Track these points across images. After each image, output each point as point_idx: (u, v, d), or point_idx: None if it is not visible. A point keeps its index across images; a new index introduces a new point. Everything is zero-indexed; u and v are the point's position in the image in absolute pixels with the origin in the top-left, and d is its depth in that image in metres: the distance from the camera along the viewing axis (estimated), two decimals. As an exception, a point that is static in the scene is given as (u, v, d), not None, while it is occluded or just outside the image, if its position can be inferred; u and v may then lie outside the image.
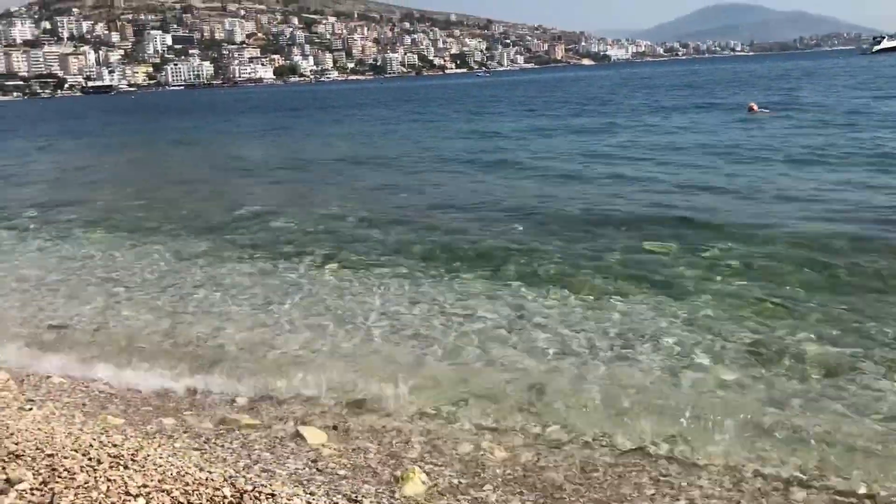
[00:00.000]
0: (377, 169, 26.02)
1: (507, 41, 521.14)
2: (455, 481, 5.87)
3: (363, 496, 5.30)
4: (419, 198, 19.30)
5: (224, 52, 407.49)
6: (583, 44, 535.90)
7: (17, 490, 4.74)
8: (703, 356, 8.06)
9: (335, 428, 6.97)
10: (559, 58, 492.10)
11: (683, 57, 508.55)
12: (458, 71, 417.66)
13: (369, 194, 20.41)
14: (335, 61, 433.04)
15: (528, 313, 9.77)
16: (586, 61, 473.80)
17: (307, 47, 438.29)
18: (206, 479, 5.11)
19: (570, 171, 22.65)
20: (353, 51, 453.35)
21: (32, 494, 4.71)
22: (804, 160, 21.55)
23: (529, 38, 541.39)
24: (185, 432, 6.78)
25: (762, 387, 7.29)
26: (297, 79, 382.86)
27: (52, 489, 4.78)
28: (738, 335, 8.58)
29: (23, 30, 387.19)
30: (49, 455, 5.44)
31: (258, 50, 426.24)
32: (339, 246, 14.10)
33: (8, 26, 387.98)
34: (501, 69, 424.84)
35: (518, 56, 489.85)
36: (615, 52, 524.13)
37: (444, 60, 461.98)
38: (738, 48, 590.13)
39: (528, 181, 21.15)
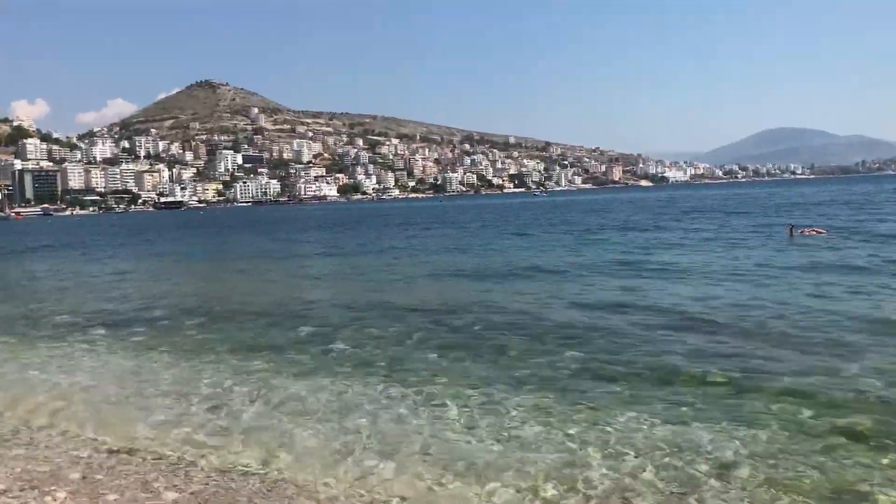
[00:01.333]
0: (430, 284, 26.17)
1: (565, 162, 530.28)
2: None
3: None
4: (476, 316, 19.20)
5: (291, 170, 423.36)
6: (640, 165, 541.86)
7: None
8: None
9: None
10: (617, 179, 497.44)
11: (743, 179, 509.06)
12: (516, 190, 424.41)
13: (419, 313, 20.43)
14: (396, 180, 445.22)
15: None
16: (644, 182, 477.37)
17: (370, 167, 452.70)
18: None
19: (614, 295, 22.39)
20: (415, 170, 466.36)
21: None
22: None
23: (587, 159, 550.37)
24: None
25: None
26: (360, 196, 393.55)
27: None
28: None
29: (103, 149, 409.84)
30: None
31: (323, 169, 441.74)
32: (396, 364, 14.11)
33: (90, 145, 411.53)
34: (559, 189, 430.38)
35: (576, 177, 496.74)
36: (673, 174, 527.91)
37: (503, 180, 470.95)
38: (799, 171, 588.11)
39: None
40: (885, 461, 8.73)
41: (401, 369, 13.97)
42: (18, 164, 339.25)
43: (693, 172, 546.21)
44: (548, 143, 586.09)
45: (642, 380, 12.59)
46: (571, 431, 10.19)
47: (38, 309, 24.55)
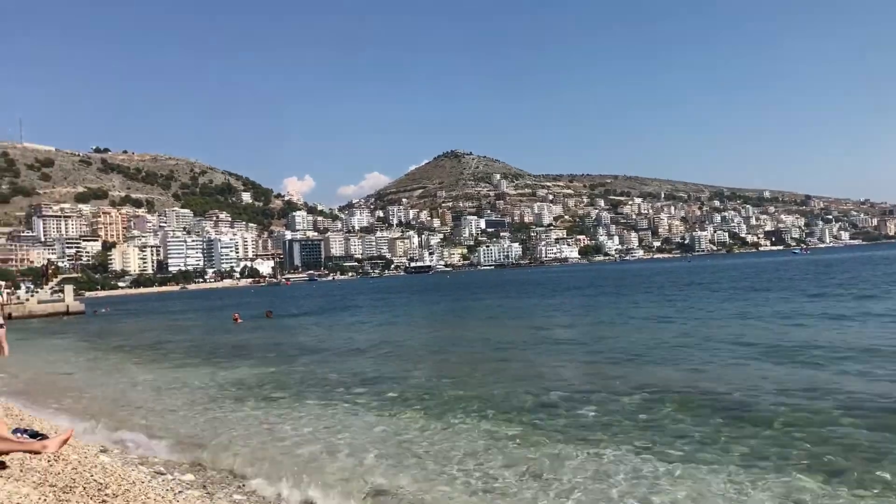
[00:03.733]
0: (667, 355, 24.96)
1: (829, 217, 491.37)
2: None
3: None
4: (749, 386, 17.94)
5: (532, 233, 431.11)
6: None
7: None
8: None
9: None
10: (891, 233, 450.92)
11: None
12: (773, 248, 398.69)
13: (671, 378, 19.45)
14: (640, 240, 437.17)
15: None
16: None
17: (612, 227, 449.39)
18: None
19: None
20: (660, 230, 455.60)
21: None
22: None
23: (855, 212, 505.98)
24: None
25: None
26: (602, 258, 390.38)
27: None
28: None
29: (360, 218, 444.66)
30: None
31: (564, 231, 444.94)
32: (648, 435, 13.51)
33: (349, 216, 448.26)
34: (822, 246, 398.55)
35: (842, 231, 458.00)
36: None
37: (758, 237, 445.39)
38: None
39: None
40: None
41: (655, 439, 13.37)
42: (288, 235, 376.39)
43: None
44: (808, 197, 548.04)
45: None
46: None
47: (310, 369, 26.59)
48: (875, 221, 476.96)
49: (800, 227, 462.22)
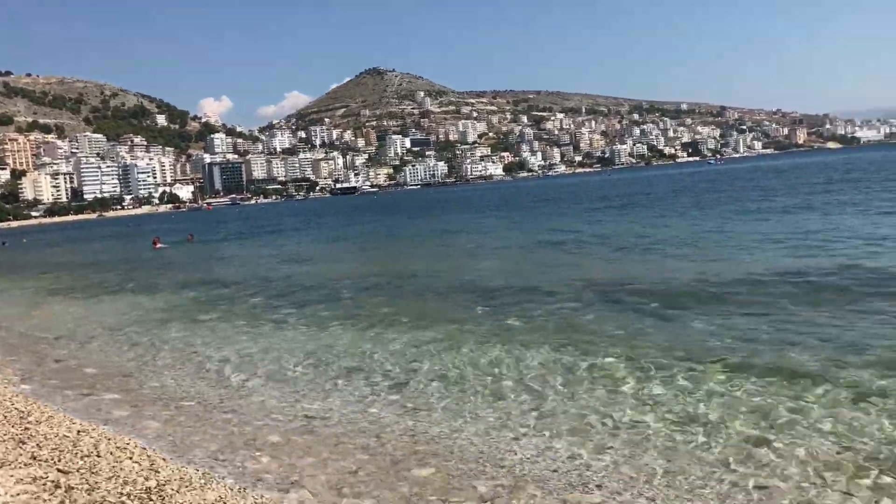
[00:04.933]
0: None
1: (743, 127, 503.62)
2: None
3: None
4: (658, 284, 18.69)
5: (457, 151, 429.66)
6: (827, 126, 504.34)
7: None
8: None
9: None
10: (800, 142, 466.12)
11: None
12: (690, 159, 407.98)
13: (586, 280, 20.12)
14: (562, 155, 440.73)
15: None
16: (832, 144, 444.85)
17: (535, 143, 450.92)
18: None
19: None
20: (581, 144, 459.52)
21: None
22: None
23: (767, 123, 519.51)
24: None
25: None
26: (526, 174, 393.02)
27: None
28: None
29: (282, 140, 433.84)
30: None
31: (489, 148, 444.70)
32: (576, 337, 14.04)
33: (270, 137, 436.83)
34: (737, 156, 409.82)
35: (755, 142, 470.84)
36: (864, 134, 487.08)
37: (675, 149, 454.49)
38: None
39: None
40: None
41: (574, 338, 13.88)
42: (208, 158, 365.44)
43: (888, 131, 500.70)
44: (723, 108, 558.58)
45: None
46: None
47: (236, 290, 26.35)
48: (786, 131, 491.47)
49: (715, 139, 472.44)
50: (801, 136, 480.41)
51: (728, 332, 13.64)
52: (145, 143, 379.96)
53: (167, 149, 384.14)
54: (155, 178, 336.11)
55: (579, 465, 8.37)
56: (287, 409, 11.21)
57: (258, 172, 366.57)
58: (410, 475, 8.35)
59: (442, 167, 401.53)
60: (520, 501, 7.46)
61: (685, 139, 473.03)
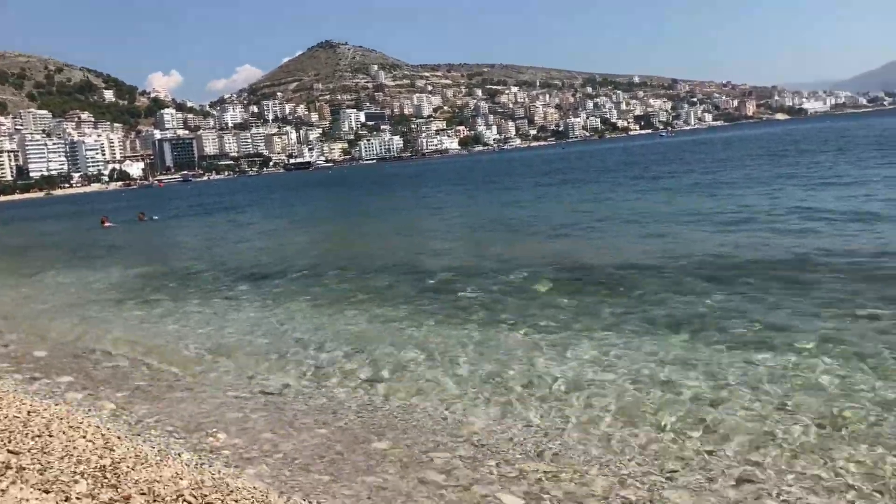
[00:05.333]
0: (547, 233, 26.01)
1: (693, 100, 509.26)
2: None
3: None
4: (608, 259, 18.98)
5: (412, 125, 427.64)
6: (776, 98, 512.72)
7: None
8: None
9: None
10: (750, 114, 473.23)
11: (890, 107, 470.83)
12: (643, 132, 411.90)
13: (543, 253, 20.35)
14: (518, 129, 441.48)
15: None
16: (780, 116, 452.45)
17: (490, 117, 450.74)
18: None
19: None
20: (536, 118, 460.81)
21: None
22: None
23: (717, 95, 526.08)
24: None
25: None
26: (481, 148, 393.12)
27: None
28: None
29: (234, 114, 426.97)
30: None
31: (444, 122, 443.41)
32: (527, 311, 14.17)
33: (221, 112, 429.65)
34: (688, 128, 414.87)
35: (706, 114, 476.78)
36: (811, 105, 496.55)
37: (628, 122, 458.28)
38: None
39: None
40: None
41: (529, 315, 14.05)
42: (158, 134, 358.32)
43: (834, 102, 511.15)
44: (674, 81, 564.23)
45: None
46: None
47: (188, 268, 26.03)
48: (735, 103, 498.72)
49: (667, 111, 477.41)
50: (751, 107, 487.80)
51: (677, 302, 13.94)
52: (93, 119, 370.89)
53: (116, 125, 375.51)
54: (104, 155, 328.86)
55: (536, 434, 8.51)
56: (243, 386, 11.17)
57: (210, 148, 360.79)
58: (369, 448, 8.40)
59: (397, 141, 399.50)
60: (476, 472, 7.56)
61: (638, 112, 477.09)
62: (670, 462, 7.46)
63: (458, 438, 8.54)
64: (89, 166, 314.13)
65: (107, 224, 55.34)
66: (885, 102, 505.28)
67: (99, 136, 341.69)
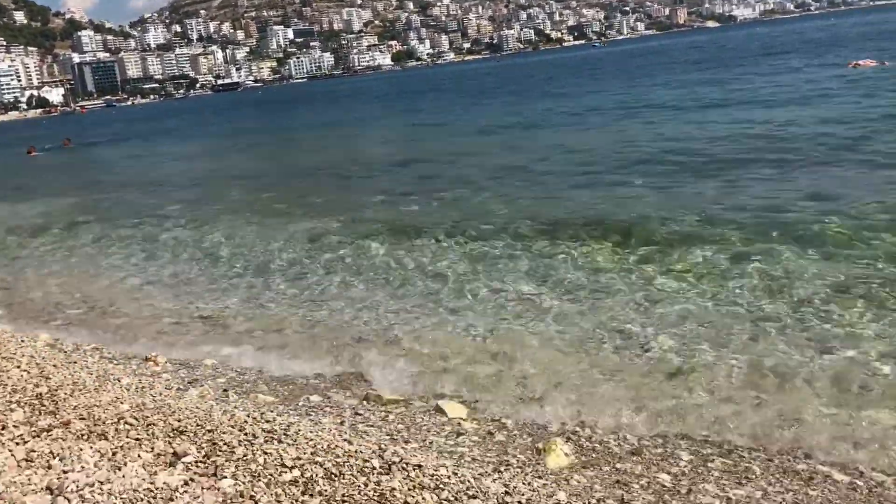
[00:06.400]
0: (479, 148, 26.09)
1: (626, 8, 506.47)
2: (598, 454, 5.81)
3: (507, 468, 5.34)
4: (539, 172, 19.18)
5: (343, 41, 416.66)
6: (706, 5, 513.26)
7: (183, 462, 5.06)
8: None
9: (475, 402, 7.04)
10: (682, 22, 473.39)
11: (816, 12, 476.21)
12: (577, 43, 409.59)
13: (481, 172, 20.44)
14: (451, 43, 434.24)
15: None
16: (710, 23, 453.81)
17: (423, 31, 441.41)
18: (356, 452, 5.28)
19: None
20: (469, 31, 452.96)
21: (197, 466, 5.01)
22: None
23: (649, 3, 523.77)
24: (331, 409, 7.04)
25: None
26: (415, 63, 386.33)
27: (214, 462, 5.07)
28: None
29: (156, 35, 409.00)
30: (209, 431, 5.78)
31: (376, 37, 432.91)
32: (462, 224, 14.26)
33: (143, 32, 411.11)
34: (621, 38, 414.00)
35: (638, 23, 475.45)
36: (741, 12, 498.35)
37: (562, 33, 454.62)
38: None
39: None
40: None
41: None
42: (77, 58, 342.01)
43: (763, 8, 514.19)
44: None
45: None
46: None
47: (119, 193, 25.35)
48: (667, 11, 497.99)
49: (600, 21, 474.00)
50: (682, 16, 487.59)
51: (610, 201, 14.21)
52: (4, 43, 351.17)
53: (30, 49, 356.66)
54: (20, 81, 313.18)
55: (474, 335, 8.71)
56: (181, 310, 11.07)
57: (133, 71, 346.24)
58: (307, 357, 8.56)
59: (328, 59, 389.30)
60: (416, 370, 7.76)
61: (571, 22, 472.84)
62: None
63: (394, 345, 8.69)
64: (5, 93, 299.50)
65: (34, 153, 53.21)
66: (812, 8, 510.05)
67: (13, 61, 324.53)
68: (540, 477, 5.22)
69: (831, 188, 13.44)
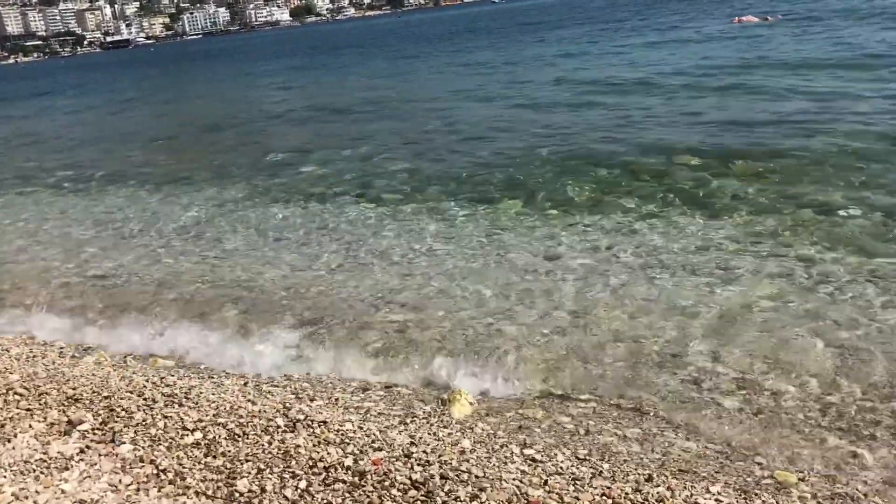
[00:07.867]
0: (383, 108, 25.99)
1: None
2: (501, 401, 5.95)
3: (413, 419, 5.40)
4: (437, 130, 19.26)
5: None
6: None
7: (79, 430, 4.91)
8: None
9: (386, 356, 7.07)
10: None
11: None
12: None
13: (385, 130, 20.36)
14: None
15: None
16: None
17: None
18: (260, 411, 5.24)
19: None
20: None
21: (94, 434, 4.87)
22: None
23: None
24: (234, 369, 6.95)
25: None
26: (314, 18, 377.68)
27: (111, 428, 4.94)
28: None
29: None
30: (106, 397, 5.62)
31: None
32: (369, 184, 14.16)
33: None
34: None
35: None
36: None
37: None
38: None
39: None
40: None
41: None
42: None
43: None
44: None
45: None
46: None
47: (5, 158, 24.04)
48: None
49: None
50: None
51: (499, 162, 14.41)
52: None
53: None
54: None
55: (382, 290, 8.71)
56: (74, 271, 10.66)
57: (13, 28, 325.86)
58: (212, 317, 8.38)
59: (224, 14, 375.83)
60: (326, 327, 7.73)
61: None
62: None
63: (305, 303, 8.61)
64: None
65: None
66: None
67: None
68: (445, 427, 5.30)
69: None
